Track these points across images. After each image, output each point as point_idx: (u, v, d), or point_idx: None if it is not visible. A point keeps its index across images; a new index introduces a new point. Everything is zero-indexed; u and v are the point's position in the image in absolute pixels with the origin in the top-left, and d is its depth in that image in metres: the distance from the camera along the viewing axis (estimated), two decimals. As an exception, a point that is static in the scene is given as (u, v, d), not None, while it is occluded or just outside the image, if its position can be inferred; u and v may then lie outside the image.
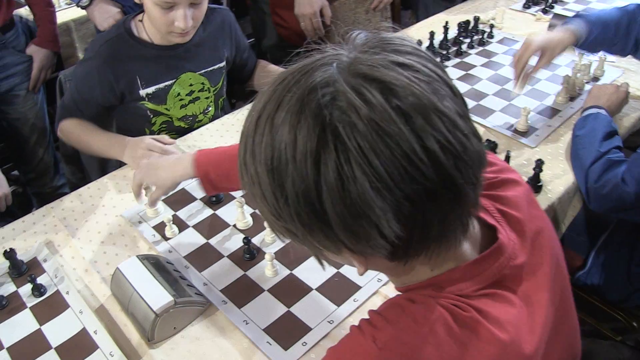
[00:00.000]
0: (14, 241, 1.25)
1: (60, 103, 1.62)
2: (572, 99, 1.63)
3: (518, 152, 1.43)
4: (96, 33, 2.04)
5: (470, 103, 1.62)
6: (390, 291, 1.06)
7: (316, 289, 1.08)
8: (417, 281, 0.64)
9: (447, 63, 1.85)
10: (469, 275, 0.62)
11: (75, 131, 1.53)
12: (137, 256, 1.09)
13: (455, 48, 1.91)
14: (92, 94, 1.51)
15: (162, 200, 1.33)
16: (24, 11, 2.21)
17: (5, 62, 1.90)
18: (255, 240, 1.20)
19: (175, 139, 1.59)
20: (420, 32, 2.04)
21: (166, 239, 1.22)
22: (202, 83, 1.62)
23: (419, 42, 1.81)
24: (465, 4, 2.31)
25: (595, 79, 1.72)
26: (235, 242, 1.19)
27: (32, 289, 1.09)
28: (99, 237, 1.24)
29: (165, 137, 1.45)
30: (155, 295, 0.99)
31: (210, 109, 1.69)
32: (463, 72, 1.79)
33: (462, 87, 1.71)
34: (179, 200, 1.33)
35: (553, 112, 1.58)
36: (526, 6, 2.22)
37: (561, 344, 0.72)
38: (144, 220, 1.27)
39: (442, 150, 0.50)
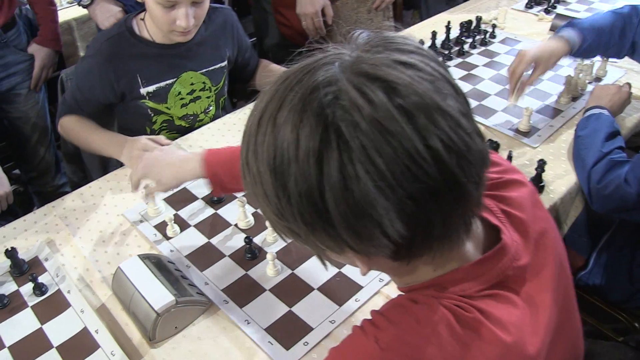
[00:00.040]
0: (15, 240, 1.25)
1: (61, 99, 1.62)
2: (574, 99, 1.62)
3: (520, 152, 1.43)
4: (97, 32, 2.04)
5: (472, 103, 1.60)
6: (392, 291, 1.05)
7: (318, 289, 1.07)
8: (420, 281, 0.64)
9: (449, 63, 1.85)
10: (472, 276, 0.62)
11: (75, 128, 1.53)
12: (139, 255, 1.09)
13: (457, 48, 1.90)
14: (92, 91, 1.52)
15: (164, 199, 1.32)
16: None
17: (7, 61, 1.90)
18: (257, 239, 1.19)
19: (176, 138, 1.59)
20: (422, 31, 2.04)
21: (167, 238, 1.22)
22: (204, 82, 1.62)
23: (421, 42, 1.81)
24: (467, 3, 2.31)
25: (598, 79, 1.72)
26: (237, 242, 1.19)
27: (34, 288, 1.09)
28: (100, 236, 1.24)
29: (161, 138, 1.44)
30: (157, 294, 0.99)
31: (211, 108, 1.68)
32: (465, 72, 1.78)
33: (464, 87, 1.69)
34: (180, 199, 1.33)
35: (555, 112, 1.58)
36: (528, 6, 2.21)
37: (564, 346, 0.72)
38: (145, 220, 1.27)
39: (445, 149, 0.50)
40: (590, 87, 1.65)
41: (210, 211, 1.29)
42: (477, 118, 1.53)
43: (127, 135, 1.49)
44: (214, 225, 1.25)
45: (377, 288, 1.07)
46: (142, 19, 1.51)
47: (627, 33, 1.48)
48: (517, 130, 1.50)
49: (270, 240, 1.19)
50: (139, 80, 1.51)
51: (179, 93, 1.58)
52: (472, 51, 1.91)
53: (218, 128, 1.60)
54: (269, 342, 0.98)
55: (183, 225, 1.25)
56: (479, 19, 1.99)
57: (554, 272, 0.70)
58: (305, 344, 0.98)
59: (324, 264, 0.66)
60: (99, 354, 0.97)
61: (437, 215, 0.53)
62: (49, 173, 2.19)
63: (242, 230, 1.23)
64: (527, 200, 0.73)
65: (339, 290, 1.07)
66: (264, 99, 0.56)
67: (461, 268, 0.62)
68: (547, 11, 2.16)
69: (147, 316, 0.98)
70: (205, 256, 1.17)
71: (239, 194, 1.27)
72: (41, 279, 1.11)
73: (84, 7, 1.93)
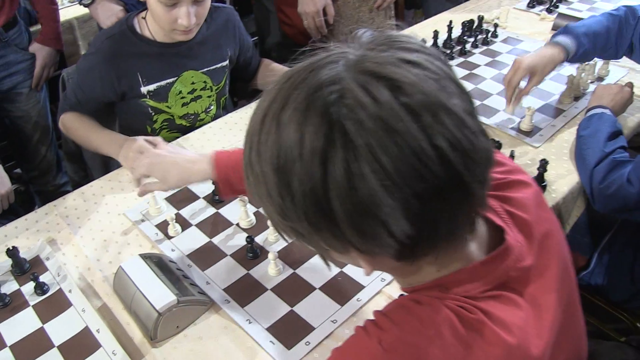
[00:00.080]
0: (16, 239, 1.25)
1: (63, 96, 1.62)
2: (576, 98, 1.62)
3: (522, 151, 1.42)
4: (99, 31, 2.04)
5: (474, 102, 1.61)
6: (394, 291, 1.05)
7: (319, 288, 1.07)
8: (424, 282, 0.64)
9: (451, 62, 1.84)
10: (476, 277, 0.62)
11: (75, 125, 1.53)
12: (140, 255, 1.08)
13: (459, 47, 1.90)
14: (92, 89, 1.52)
15: (165, 198, 1.32)
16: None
17: (8, 60, 1.89)
18: (259, 239, 1.19)
19: (177, 137, 1.59)
20: (424, 31, 2.04)
21: (169, 237, 1.22)
22: (205, 81, 1.62)
23: (423, 41, 1.80)
24: (469, 3, 2.31)
25: (600, 78, 1.71)
26: (238, 241, 1.19)
27: (35, 287, 1.09)
28: (101, 235, 1.24)
29: (158, 140, 1.44)
30: (158, 294, 0.99)
31: (212, 107, 1.68)
32: (467, 72, 1.78)
33: (466, 87, 1.70)
34: (182, 198, 1.33)
35: (557, 111, 1.58)
36: (530, 5, 2.21)
37: (568, 347, 0.72)
38: (146, 219, 1.27)
39: (451, 148, 0.50)
40: (592, 87, 1.65)
41: (211, 210, 1.29)
42: (479, 117, 1.53)
43: (128, 134, 1.49)
44: (215, 225, 1.24)
45: (378, 288, 1.06)
46: (144, 18, 1.51)
47: (624, 34, 1.48)
48: (519, 130, 1.50)
49: (272, 239, 1.19)
50: (140, 79, 1.51)
51: (180, 92, 1.58)
52: (474, 50, 1.91)
53: (219, 127, 1.60)
54: (270, 341, 0.98)
55: (184, 224, 1.25)
56: (480, 19, 1.99)
57: (558, 273, 0.69)
58: (307, 343, 0.97)
59: (327, 265, 0.65)
60: (100, 354, 0.97)
61: (442, 215, 0.53)
62: (50, 172, 2.19)
63: (244, 230, 1.23)
64: (531, 201, 0.72)
65: (341, 290, 1.07)
66: (267, 98, 0.56)
67: (465, 269, 0.62)
68: (549, 10, 2.16)
69: (148, 315, 0.98)
70: (206, 255, 1.17)
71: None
72: (42, 278, 1.11)
73: (85, 6, 1.93)
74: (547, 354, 0.63)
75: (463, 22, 1.97)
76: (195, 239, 1.21)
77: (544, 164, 1.28)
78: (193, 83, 1.59)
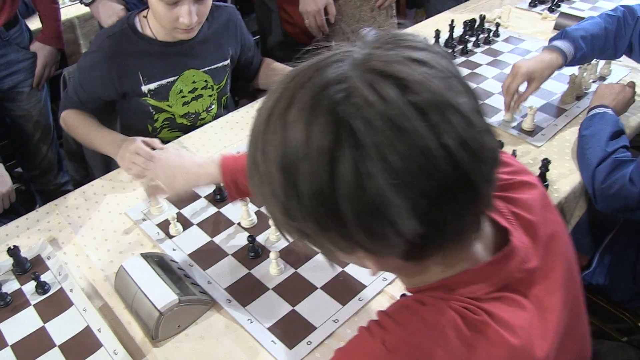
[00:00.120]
0: (17, 238, 1.25)
1: (64, 93, 1.62)
2: (578, 98, 1.62)
3: (524, 151, 1.42)
4: (100, 30, 2.04)
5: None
6: (396, 290, 1.05)
7: (321, 288, 1.07)
8: (429, 282, 0.63)
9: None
10: (481, 278, 0.61)
11: (75, 123, 1.54)
12: (141, 254, 1.08)
13: (460, 46, 1.90)
14: (93, 88, 1.52)
15: (166, 197, 1.32)
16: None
17: (9, 59, 1.89)
18: (260, 238, 1.19)
19: (178, 136, 1.58)
20: (425, 30, 2.04)
21: (170, 237, 1.21)
22: (206, 81, 1.62)
23: (425, 40, 1.80)
24: (471, 2, 2.30)
25: (602, 78, 1.71)
26: (240, 240, 1.19)
27: (36, 287, 1.09)
28: (102, 234, 1.24)
29: (155, 141, 1.44)
30: (160, 293, 0.99)
31: (213, 106, 1.68)
32: (469, 71, 1.78)
33: (468, 86, 1.70)
34: (183, 198, 1.33)
35: (559, 111, 1.57)
36: (532, 5, 2.20)
37: (572, 348, 0.71)
38: (147, 218, 1.27)
39: (459, 147, 0.50)
40: (594, 86, 1.65)
41: (213, 210, 1.28)
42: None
43: (129, 133, 1.49)
44: (216, 224, 1.24)
45: (380, 287, 1.06)
46: (145, 17, 1.51)
47: (623, 35, 1.48)
48: (521, 129, 1.50)
49: (274, 239, 1.19)
50: (141, 78, 1.51)
51: (181, 91, 1.58)
52: (476, 50, 1.90)
53: (221, 126, 1.60)
54: (272, 341, 0.98)
55: (186, 223, 1.25)
56: (482, 18, 1.99)
57: (564, 275, 0.69)
58: (309, 343, 0.97)
59: (333, 265, 0.65)
60: (102, 353, 0.97)
61: (450, 214, 0.52)
62: (51, 171, 2.18)
63: (245, 229, 1.22)
64: (537, 202, 0.72)
65: (343, 290, 1.06)
66: (271, 97, 0.55)
67: (470, 270, 0.61)
68: (551, 10, 2.15)
69: (149, 315, 0.97)
70: (208, 255, 1.16)
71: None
72: (43, 277, 1.11)
73: (86, 5, 1.93)
74: (552, 355, 0.63)
75: (465, 22, 1.97)
76: (197, 238, 1.21)
77: (545, 164, 1.28)
78: (194, 82, 1.59)
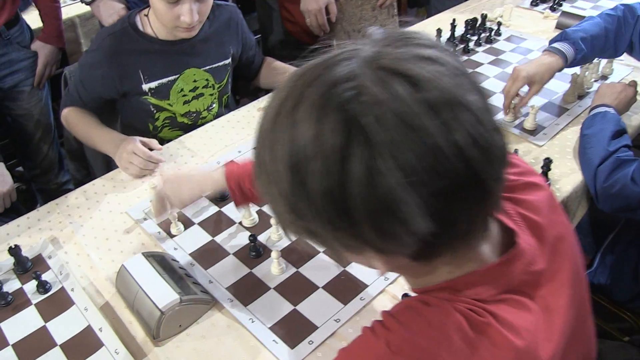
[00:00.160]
0: (18, 237, 1.24)
1: (65, 91, 1.63)
2: (580, 97, 1.62)
3: (526, 150, 1.42)
4: (100, 29, 2.04)
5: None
6: (398, 290, 1.05)
7: (322, 287, 1.07)
8: (436, 283, 0.63)
9: (454, 60, 1.83)
10: (487, 280, 0.61)
11: (75, 120, 1.54)
12: (143, 253, 1.08)
13: (462, 45, 1.90)
14: (93, 86, 1.52)
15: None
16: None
17: (10, 58, 1.89)
18: (261, 237, 1.19)
19: (179, 135, 1.58)
20: (427, 29, 2.03)
21: (172, 236, 1.21)
22: (207, 79, 1.61)
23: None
24: (472, 1, 2.30)
25: (604, 77, 1.71)
26: (241, 240, 1.19)
27: (37, 286, 1.09)
28: (104, 234, 1.24)
29: (153, 142, 1.44)
30: (161, 292, 0.99)
31: (214, 105, 1.68)
32: (470, 70, 1.76)
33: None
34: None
35: (561, 110, 1.57)
36: (534, 4, 2.20)
37: (578, 350, 0.71)
38: (149, 217, 1.27)
39: (470, 145, 0.49)
40: (596, 85, 1.64)
41: (214, 209, 1.28)
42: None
43: (130, 131, 1.49)
44: (218, 223, 1.24)
45: (382, 287, 1.06)
46: (146, 15, 1.51)
47: (623, 34, 1.47)
48: (522, 129, 1.49)
49: (275, 238, 1.19)
50: (141, 77, 1.51)
51: (182, 90, 1.58)
52: (477, 49, 1.90)
53: (222, 125, 1.60)
54: (273, 340, 0.98)
55: (187, 223, 1.25)
56: (484, 17, 1.99)
57: (570, 277, 0.68)
58: (310, 342, 0.97)
59: (338, 264, 0.64)
60: (103, 352, 0.97)
61: (460, 213, 0.52)
62: (52, 170, 2.18)
63: (247, 228, 1.22)
64: (544, 204, 0.71)
65: (344, 289, 1.06)
66: (279, 95, 0.55)
67: (476, 272, 0.61)
68: (552, 9, 2.14)
69: (151, 314, 0.97)
70: (209, 254, 1.16)
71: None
72: (45, 276, 1.11)
73: (87, 4, 1.93)
74: (557, 356, 0.62)
75: (466, 21, 1.97)
76: (198, 237, 1.21)
77: (547, 163, 1.28)
78: (195, 81, 1.59)
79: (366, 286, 1.06)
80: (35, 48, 1.96)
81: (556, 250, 0.69)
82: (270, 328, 1.00)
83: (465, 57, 1.85)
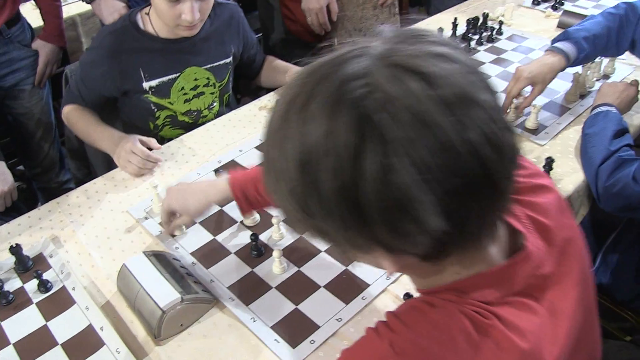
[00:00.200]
0: (19, 236, 1.24)
1: (66, 88, 1.63)
2: (582, 96, 1.61)
3: (527, 149, 1.42)
4: (101, 27, 2.04)
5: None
6: (400, 289, 1.05)
7: (324, 287, 1.07)
8: (443, 283, 0.62)
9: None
10: (493, 282, 0.61)
11: (75, 118, 1.54)
12: (144, 252, 1.08)
13: (463, 45, 1.89)
14: (94, 84, 1.52)
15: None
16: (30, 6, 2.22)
17: (11, 57, 1.89)
18: (263, 236, 1.19)
19: (181, 134, 1.58)
20: (428, 28, 2.02)
21: (173, 235, 1.21)
22: (207, 78, 1.61)
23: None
24: (474, 0, 2.29)
25: (606, 76, 1.70)
26: (243, 239, 1.19)
27: (38, 285, 1.09)
28: (105, 232, 1.24)
29: (152, 141, 1.43)
30: (162, 291, 0.99)
31: (215, 104, 1.68)
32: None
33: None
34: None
35: (563, 109, 1.57)
36: (535, 3, 2.19)
37: (583, 354, 0.70)
38: (150, 216, 1.27)
39: (483, 143, 0.49)
40: (598, 85, 1.64)
41: (215, 208, 1.28)
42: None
43: (131, 130, 1.49)
44: (219, 222, 1.24)
45: (384, 286, 1.06)
46: (147, 14, 1.50)
47: (625, 32, 1.47)
48: (524, 128, 1.49)
49: (276, 237, 1.18)
50: (142, 75, 1.51)
51: (182, 88, 1.58)
52: (479, 48, 1.90)
53: (223, 124, 1.59)
54: (274, 340, 0.98)
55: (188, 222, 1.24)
56: (485, 16, 1.98)
57: (578, 280, 0.68)
58: (312, 342, 0.97)
59: (345, 261, 0.63)
60: (104, 352, 0.97)
61: (472, 211, 0.52)
62: (53, 169, 2.18)
63: (248, 228, 1.22)
64: (553, 206, 0.71)
65: (346, 288, 1.06)
66: (289, 92, 0.54)
67: (483, 273, 0.60)
68: (554, 8, 2.14)
69: (152, 313, 0.97)
70: (210, 253, 1.16)
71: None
72: (46, 275, 1.11)
73: (88, 2, 1.92)
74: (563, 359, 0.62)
75: (468, 20, 1.96)
76: (199, 236, 1.21)
77: (549, 162, 1.27)
78: (196, 79, 1.59)
79: (368, 285, 1.06)
80: (36, 47, 1.96)
81: (564, 253, 0.68)
82: (272, 327, 1.00)
83: (466, 56, 1.85)
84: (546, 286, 0.64)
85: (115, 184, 1.39)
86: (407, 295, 1.01)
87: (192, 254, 1.16)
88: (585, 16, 1.65)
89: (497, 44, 1.92)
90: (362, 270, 1.09)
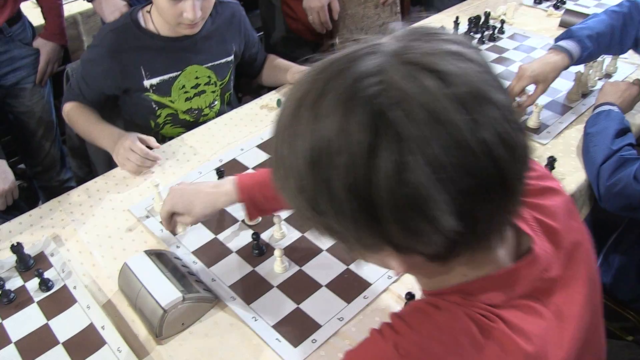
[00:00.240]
0: (21, 235, 1.24)
1: (67, 86, 1.63)
2: (584, 95, 1.61)
3: (529, 149, 1.41)
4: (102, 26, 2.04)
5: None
6: (401, 289, 1.04)
7: (326, 286, 1.06)
8: (449, 285, 0.62)
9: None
10: (500, 285, 0.60)
11: (75, 116, 1.54)
12: (145, 251, 1.08)
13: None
14: (95, 81, 1.52)
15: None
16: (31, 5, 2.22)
17: (12, 55, 1.89)
18: (264, 235, 1.18)
19: (182, 132, 1.58)
20: (429, 27, 2.02)
21: (174, 234, 1.21)
22: (209, 76, 1.61)
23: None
24: (475, -2, 2.30)
25: (608, 75, 1.70)
26: (244, 238, 1.18)
27: (39, 284, 1.09)
28: (106, 231, 1.24)
29: (151, 139, 1.43)
30: (164, 290, 0.98)
31: (216, 103, 1.67)
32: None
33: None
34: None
35: (565, 108, 1.57)
36: (537, 1, 2.19)
37: (589, 356, 0.70)
38: (151, 215, 1.26)
39: (498, 142, 0.49)
40: (600, 84, 1.63)
41: (216, 207, 1.28)
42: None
43: (132, 128, 1.49)
44: (220, 221, 1.24)
45: (385, 285, 1.06)
46: (148, 12, 1.50)
47: (629, 30, 1.46)
48: (526, 127, 1.49)
49: (278, 236, 1.18)
50: (143, 73, 1.51)
51: (183, 86, 1.57)
52: (481, 47, 1.89)
53: (225, 123, 1.59)
54: (276, 339, 0.98)
55: (189, 221, 1.24)
56: (487, 15, 1.98)
57: (586, 284, 0.67)
58: (314, 341, 0.97)
59: (350, 259, 0.62)
60: (105, 350, 0.96)
61: (484, 211, 0.51)
62: (54, 168, 2.18)
63: (250, 226, 1.22)
64: (561, 209, 0.70)
65: (348, 287, 1.06)
66: (300, 89, 0.54)
67: (490, 276, 0.60)
68: (556, 7, 2.14)
69: (153, 312, 0.97)
70: (212, 252, 1.16)
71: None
72: (47, 274, 1.11)
73: (89, 1, 1.92)
74: None
75: (469, 18, 1.96)
76: (201, 235, 1.20)
77: (551, 162, 1.27)
78: (197, 78, 1.59)
79: (370, 284, 1.06)
80: (37, 45, 1.96)
81: (572, 257, 0.67)
82: (274, 326, 1.00)
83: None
84: (553, 289, 0.63)
85: (116, 182, 1.39)
86: (409, 295, 1.00)
87: (194, 252, 1.16)
88: (587, 15, 1.65)
89: (498, 43, 1.91)
90: (364, 269, 1.09)
